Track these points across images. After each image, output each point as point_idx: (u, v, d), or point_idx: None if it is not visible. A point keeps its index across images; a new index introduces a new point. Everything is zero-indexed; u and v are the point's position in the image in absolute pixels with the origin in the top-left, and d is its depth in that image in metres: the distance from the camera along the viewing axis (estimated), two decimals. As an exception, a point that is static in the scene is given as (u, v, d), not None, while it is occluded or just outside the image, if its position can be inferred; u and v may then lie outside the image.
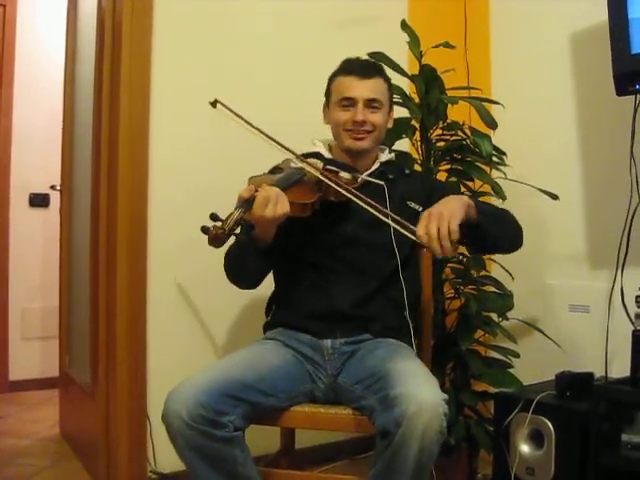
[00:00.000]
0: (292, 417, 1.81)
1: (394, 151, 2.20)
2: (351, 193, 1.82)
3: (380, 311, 1.93)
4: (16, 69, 4.11)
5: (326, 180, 1.84)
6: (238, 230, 1.67)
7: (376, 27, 2.93)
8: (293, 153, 1.91)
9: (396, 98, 2.45)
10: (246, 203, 1.69)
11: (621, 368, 2.24)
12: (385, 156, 2.09)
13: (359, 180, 1.97)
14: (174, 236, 2.52)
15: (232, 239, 1.70)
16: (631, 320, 2.26)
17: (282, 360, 1.84)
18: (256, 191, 1.70)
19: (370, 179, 1.99)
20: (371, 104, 1.95)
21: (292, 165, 1.96)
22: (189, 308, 2.55)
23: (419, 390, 1.53)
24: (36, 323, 4.18)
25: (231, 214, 1.66)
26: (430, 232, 1.63)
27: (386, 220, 1.78)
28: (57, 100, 3.48)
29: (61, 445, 3.07)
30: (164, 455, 2.44)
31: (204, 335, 2.59)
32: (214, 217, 1.64)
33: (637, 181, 2.38)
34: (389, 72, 2.40)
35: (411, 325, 1.94)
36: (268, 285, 2.06)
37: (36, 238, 4.21)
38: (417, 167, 2.50)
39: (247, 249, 1.84)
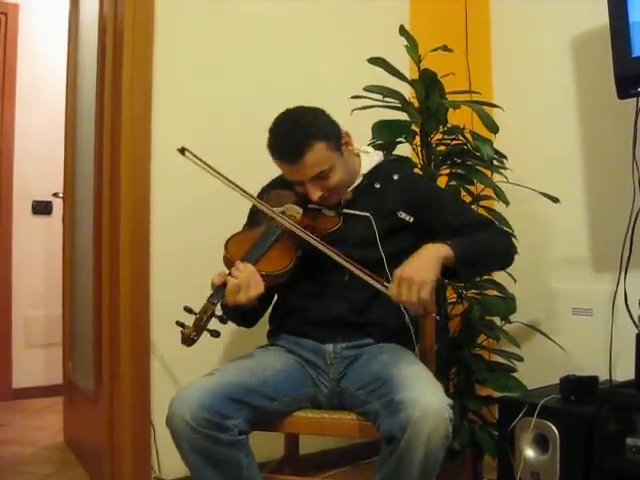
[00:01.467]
0: (296, 423, 1.81)
1: (393, 156, 2.19)
2: (333, 252, 1.78)
3: (380, 317, 1.92)
4: (18, 77, 4.14)
5: (306, 237, 1.79)
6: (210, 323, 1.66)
7: (377, 31, 2.94)
8: (269, 208, 1.85)
9: (395, 103, 2.46)
10: (219, 290, 1.69)
11: (625, 371, 2.23)
12: (370, 164, 2.03)
13: (341, 218, 1.92)
14: (177, 243, 2.52)
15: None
16: (635, 323, 2.26)
17: (285, 365, 1.85)
18: (229, 274, 1.70)
19: (353, 212, 1.94)
20: (318, 177, 1.84)
21: (271, 224, 1.89)
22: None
23: (424, 395, 1.52)
24: (39, 331, 4.19)
25: (204, 307, 1.65)
26: (400, 296, 1.66)
27: (361, 275, 1.76)
28: (59, 108, 3.49)
29: (65, 452, 3.07)
30: (168, 461, 2.44)
31: (207, 342, 2.58)
32: (188, 310, 1.65)
33: None
34: (389, 78, 2.42)
35: (412, 329, 1.94)
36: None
37: (39, 246, 4.22)
38: (417, 171, 2.50)
39: (234, 319, 1.89)
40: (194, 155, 1.87)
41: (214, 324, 1.68)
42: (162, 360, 2.49)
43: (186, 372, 2.35)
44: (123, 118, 2.43)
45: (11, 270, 4.13)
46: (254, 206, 1.99)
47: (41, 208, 4.23)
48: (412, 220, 1.96)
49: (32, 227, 4.21)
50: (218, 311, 1.67)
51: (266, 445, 1.94)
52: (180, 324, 1.63)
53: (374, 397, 1.66)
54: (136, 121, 2.45)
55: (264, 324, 2.08)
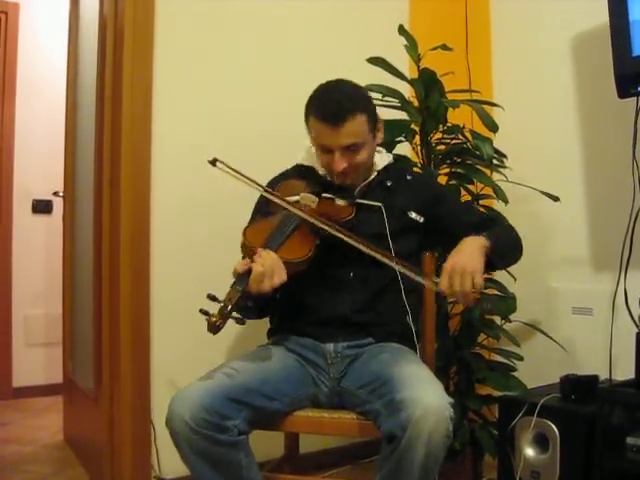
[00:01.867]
0: (296, 422, 1.81)
1: (395, 155, 2.20)
2: (351, 238, 1.80)
3: (382, 316, 1.93)
4: (18, 76, 4.13)
5: (322, 225, 1.81)
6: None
7: (377, 31, 2.93)
8: (288, 202, 1.87)
9: (395, 102, 2.46)
10: (243, 278, 1.67)
11: (625, 370, 2.23)
12: (383, 162, 2.06)
13: (354, 208, 1.93)
14: (177, 242, 2.52)
15: None
16: (635, 322, 2.26)
17: (285, 364, 1.85)
18: (252, 261, 1.68)
19: (366, 202, 1.95)
20: (348, 148, 1.86)
21: (285, 213, 1.90)
22: (193, 314, 2.53)
23: (425, 394, 1.53)
24: (39, 330, 4.19)
25: (229, 294, 1.63)
26: (454, 287, 1.66)
27: (394, 266, 1.78)
28: (59, 107, 3.49)
29: (65, 451, 3.07)
30: (168, 461, 2.44)
31: (208, 340, 2.57)
32: (212, 298, 1.62)
33: (640, 183, 2.38)
34: (388, 77, 2.42)
35: (413, 329, 1.94)
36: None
37: (39, 245, 4.22)
38: (417, 171, 2.50)
39: (250, 312, 1.85)
40: (226, 165, 1.87)
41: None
42: (162, 359, 2.49)
43: (186, 372, 2.33)
44: (123, 117, 2.43)
45: (11, 269, 4.13)
46: (262, 196, 2.00)
47: (41, 207, 4.23)
48: (422, 220, 1.98)
49: (32, 226, 4.21)
50: (242, 300, 1.65)
51: (266, 444, 1.94)
52: (204, 312, 1.60)
53: (375, 396, 1.66)
54: (136, 120, 2.45)
55: (264, 322, 2.08)
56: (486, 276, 1.74)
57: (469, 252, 1.74)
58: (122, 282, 2.41)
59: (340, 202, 1.95)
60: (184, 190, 2.54)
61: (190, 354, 2.53)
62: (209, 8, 2.62)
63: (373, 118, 1.92)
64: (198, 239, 2.56)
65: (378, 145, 2.03)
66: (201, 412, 1.55)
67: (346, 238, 1.79)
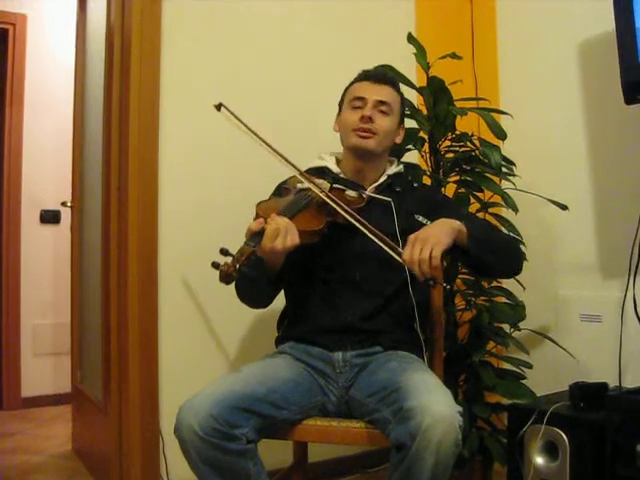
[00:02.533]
0: (304, 431, 1.81)
1: (403, 163, 2.21)
2: (354, 218, 1.82)
3: (390, 324, 1.93)
4: (26, 86, 4.16)
5: (332, 204, 1.84)
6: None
7: (385, 39, 2.95)
8: (298, 170, 1.91)
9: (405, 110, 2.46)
10: (256, 236, 1.69)
11: (635, 377, 2.23)
12: (393, 169, 2.10)
13: (365, 198, 1.98)
14: (185, 252, 2.52)
15: None
16: (644, 329, 2.25)
17: (294, 373, 1.84)
18: (265, 222, 1.71)
19: (376, 196, 1.99)
20: (380, 106, 1.99)
21: (299, 186, 1.97)
22: (201, 323, 2.55)
23: (434, 402, 1.52)
24: (48, 339, 4.20)
25: (241, 249, 1.65)
26: (412, 255, 1.67)
27: (368, 234, 1.79)
28: (67, 117, 3.51)
29: (74, 461, 3.07)
30: (177, 471, 2.44)
31: (216, 350, 2.59)
32: (224, 252, 1.65)
33: (647, 190, 2.38)
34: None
35: (422, 337, 1.94)
36: (280, 299, 2.07)
37: (47, 254, 4.23)
38: (426, 179, 2.51)
39: (257, 281, 1.86)
40: (230, 112, 1.92)
41: None
42: (170, 369, 2.49)
43: (195, 381, 2.34)
44: (131, 127, 2.44)
45: (20, 279, 4.14)
46: (278, 187, 2.07)
47: (49, 217, 4.25)
48: (428, 223, 1.97)
49: (40, 236, 4.22)
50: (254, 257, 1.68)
51: (275, 453, 1.94)
52: (216, 264, 1.62)
53: (383, 405, 1.66)
54: (144, 130, 2.46)
55: (272, 331, 2.09)
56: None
57: (437, 227, 1.77)
58: (130, 292, 2.42)
59: (351, 193, 1.99)
60: (192, 199, 2.55)
61: (198, 363, 2.54)
62: (215, 16, 2.63)
63: (403, 111, 2.11)
64: (206, 248, 2.54)
65: (391, 156, 2.06)
66: (210, 421, 1.55)
67: (352, 220, 1.82)
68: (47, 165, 4.20)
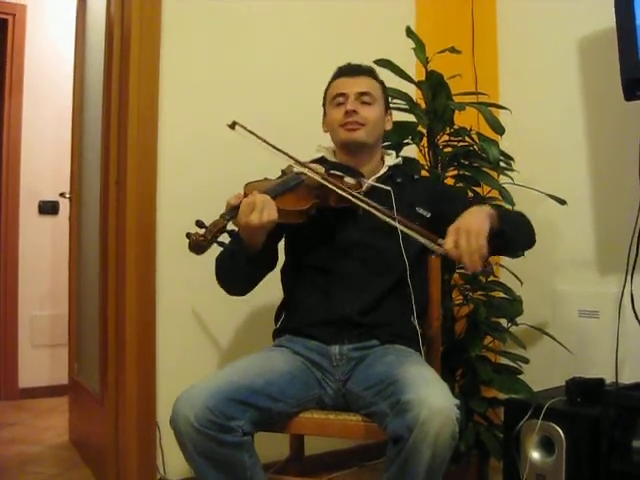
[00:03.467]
0: (301, 424, 1.81)
1: (401, 157, 2.21)
2: (355, 197, 1.82)
3: (388, 318, 1.92)
4: (25, 77, 4.15)
5: (328, 184, 1.84)
6: (221, 238, 1.69)
7: (384, 32, 2.94)
8: (294, 159, 1.91)
9: (402, 104, 2.47)
10: (233, 210, 1.71)
11: (632, 373, 2.23)
12: (392, 160, 2.10)
13: (364, 186, 1.97)
14: (183, 243, 2.51)
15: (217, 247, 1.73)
16: (641, 325, 2.25)
17: (290, 366, 1.84)
18: (245, 197, 1.72)
19: (376, 184, 1.99)
20: (362, 98, 2.00)
21: (295, 170, 1.96)
22: (199, 315, 2.56)
23: (431, 395, 1.52)
24: (45, 331, 4.20)
25: (215, 221, 1.68)
26: (461, 246, 1.63)
27: (398, 226, 1.79)
28: (66, 108, 3.51)
29: (70, 452, 3.08)
30: (173, 462, 2.44)
31: (213, 342, 2.60)
32: (200, 224, 1.67)
33: (646, 186, 2.38)
34: (395, 79, 2.42)
35: (419, 331, 1.94)
36: (277, 293, 2.07)
37: (45, 246, 4.23)
38: (424, 173, 2.50)
39: (235, 257, 1.85)
40: (245, 128, 1.90)
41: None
42: (168, 361, 2.49)
43: (192, 373, 2.34)
44: (130, 118, 2.44)
45: (17, 270, 4.14)
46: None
47: (48, 208, 4.24)
48: (429, 215, 1.99)
49: (38, 227, 4.22)
50: (229, 227, 1.70)
51: (271, 446, 1.94)
52: (188, 234, 1.66)
53: (380, 398, 1.66)
54: (143, 121, 2.46)
55: (270, 324, 2.08)
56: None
57: (473, 215, 1.74)
58: (128, 283, 2.42)
59: (349, 179, 1.97)
60: (191, 191, 2.54)
61: (196, 355, 2.54)
62: (216, 9, 2.63)
63: (386, 98, 2.11)
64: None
65: (385, 148, 2.05)
66: (206, 412, 1.55)
67: (350, 197, 1.82)
68: (46, 156, 4.19)
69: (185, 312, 2.53)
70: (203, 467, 1.60)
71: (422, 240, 1.75)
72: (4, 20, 4.10)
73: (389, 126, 2.12)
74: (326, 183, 1.84)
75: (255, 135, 1.87)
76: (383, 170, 2.05)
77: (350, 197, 1.82)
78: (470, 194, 2.52)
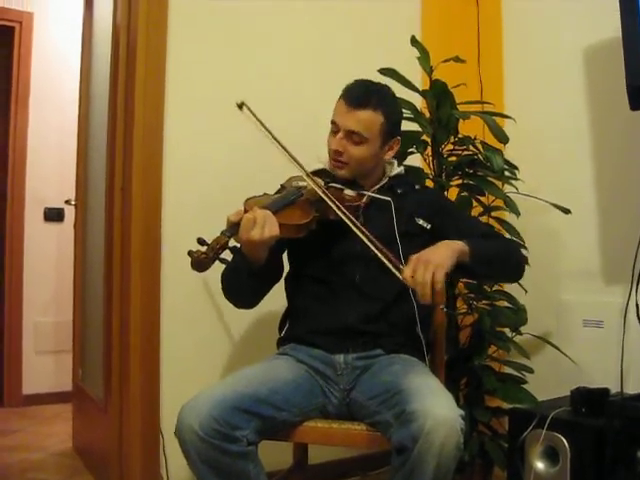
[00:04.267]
0: (305, 433, 1.81)
1: (405, 166, 2.21)
2: (347, 217, 1.82)
3: (392, 327, 1.93)
4: (32, 85, 4.16)
5: (326, 199, 1.84)
6: (223, 254, 1.69)
7: (389, 41, 2.94)
8: (302, 167, 1.91)
9: (407, 113, 2.46)
10: (234, 227, 1.71)
11: (637, 383, 2.22)
12: (394, 170, 2.09)
13: (364, 198, 1.97)
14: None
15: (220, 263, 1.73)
16: (646, 335, 2.25)
17: (295, 375, 1.84)
18: (246, 213, 1.72)
19: (376, 195, 1.99)
20: (351, 136, 1.92)
21: (294, 184, 1.97)
22: (203, 323, 2.55)
23: (436, 406, 1.52)
24: (49, 337, 4.20)
25: (217, 238, 1.69)
26: (416, 276, 1.66)
27: (376, 252, 1.78)
28: (72, 115, 3.52)
29: (74, 459, 3.07)
30: (177, 470, 2.44)
31: (217, 350, 2.59)
32: (201, 241, 1.68)
33: (651, 196, 2.38)
34: (400, 88, 2.43)
35: (423, 341, 1.94)
36: (281, 301, 2.07)
37: (50, 252, 4.24)
38: (429, 182, 2.50)
39: (239, 272, 1.85)
40: (251, 111, 1.93)
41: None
42: (172, 368, 2.49)
43: (196, 381, 2.34)
44: (135, 125, 2.44)
45: (22, 276, 4.14)
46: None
47: (53, 215, 4.25)
48: (429, 227, 1.99)
49: (44, 234, 4.23)
50: (231, 243, 1.71)
51: (275, 455, 1.94)
52: (189, 252, 1.66)
53: (385, 407, 1.66)
54: (148, 128, 2.46)
55: (274, 332, 2.08)
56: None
57: (439, 250, 1.76)
58: (133, 290, 2.42)
59: (349, 192, 1.98)
60: (196, 199, 2.55)
61: (200, 363, 2.54)
62: (222, 16, 2.63)
63: (390, 129, 1.98)
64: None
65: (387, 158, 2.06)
66: (210, 422, 1.55)
67: (344, 216, 1.82)
68: (51, 163, 4.20)
69: (189, 319, 2.53)
70: (207, 476, 1.60)
71: (386, 263, 1.75)
72: (11, 28, 4.11)
73: (389, 156, 2.04)
74: (325, 198, 1.85)
75: (260, 122, 1.91)
76: (384, 181, 2.05)
77: (344, 217, 1.83)
78: (474, 203, 2.52)
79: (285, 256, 2.07)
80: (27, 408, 4.03)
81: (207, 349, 2.58)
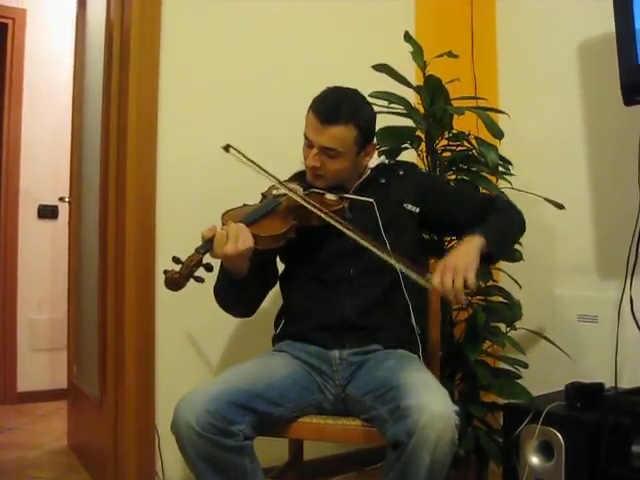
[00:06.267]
0: (300, 428, 1.81)
1: (398, 161, 2.21)
2: (335, 220, 1.83)
3: (387, 321, 1.93)
4: (25, 81, 4.15)
5: (308, 206, 1.84)
6: (198, 272, 1.69)
7: (383, 37, 2.94)
8: (276, 179, 1.91)
9: (401, 109, 2.47)
10: (208, 243, 1.71)
11: (631, 378, 2.23)
12: (374, 162, 2.09)
13: (344, 202, 1.96)
14: (182, 248, 2.50)
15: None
16: (640, 330, 2.25)
17: (291, 371, 1.84)
18: (222, 228, 1.72)
19: (357, 197, 1.98)
20: (326, 151, 1.90)
21: (274, 192, 1.96)
22: (198, 320, 2.55)
23: (431, 401, 1.52)
24: (44, 334, 4.19)
25: (191, 256, 1.69)
26: (445, 284, 1.67)
27: (394, 263, 1.78)
28: (66, 112, 3.51)
29: (69, 457, 3.07)
30: (172, 467, 2.44)
31: (213, 347, 2.59)
32: (176, 260, 1.69)
33: (645, 190, 2.38)
34: (394, 84, 2.43)
35: (418, 335, 1.94)
36: (277, 299, 2.07)
37: (45, 250, 4.23)
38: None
39: (225, 286, 1.88)
40: (238, 151, 1.90)
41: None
42: (167, 365, 2.49)
43: (191, 377, 2.35)
44: (129, 122, 2.44)
45: (17, 274, 4.14)
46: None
47: (47, 212, 4.24)
48: (418, 210, 2.00)
49: (38, 231, 4.22)
50: (205, 260, 1.70)
51: (270, 450, 1.94)
52: (164, 271, 1.67)
53: (380, 403, 1.66)
54: (142, 125, 2.46)
55: (270, 329, 2.08)
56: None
57: (464, 252, 1.77)
58: (127, 287, 2.42)
59: (330, 196, 1.97)
60: (190, 195, 2.54)
61: (195, 359, 2.54)
62: (216, 12, 2.63)
63: (365, 137, 1.95)
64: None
65: (383, 153, 2.05)
66: (207, 416, 1.55)
67: (332, 221, 1.82)
68: (45, 160, 4.19)
69: (184, 316, 2.53)
70: (204, 472, 1.60)
71: (413, 276, 1.76)
72: (4, 24, 4.10)
73: (367, 161, 2.04)
74: (307, 205, 1.84)
75: (246, 158, 1.89)
76: (366, 174, 2.06)
77: (332, 221, 1.83)
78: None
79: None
80: (22, 406, 4.03)
81: (202, 347, 2.57)
